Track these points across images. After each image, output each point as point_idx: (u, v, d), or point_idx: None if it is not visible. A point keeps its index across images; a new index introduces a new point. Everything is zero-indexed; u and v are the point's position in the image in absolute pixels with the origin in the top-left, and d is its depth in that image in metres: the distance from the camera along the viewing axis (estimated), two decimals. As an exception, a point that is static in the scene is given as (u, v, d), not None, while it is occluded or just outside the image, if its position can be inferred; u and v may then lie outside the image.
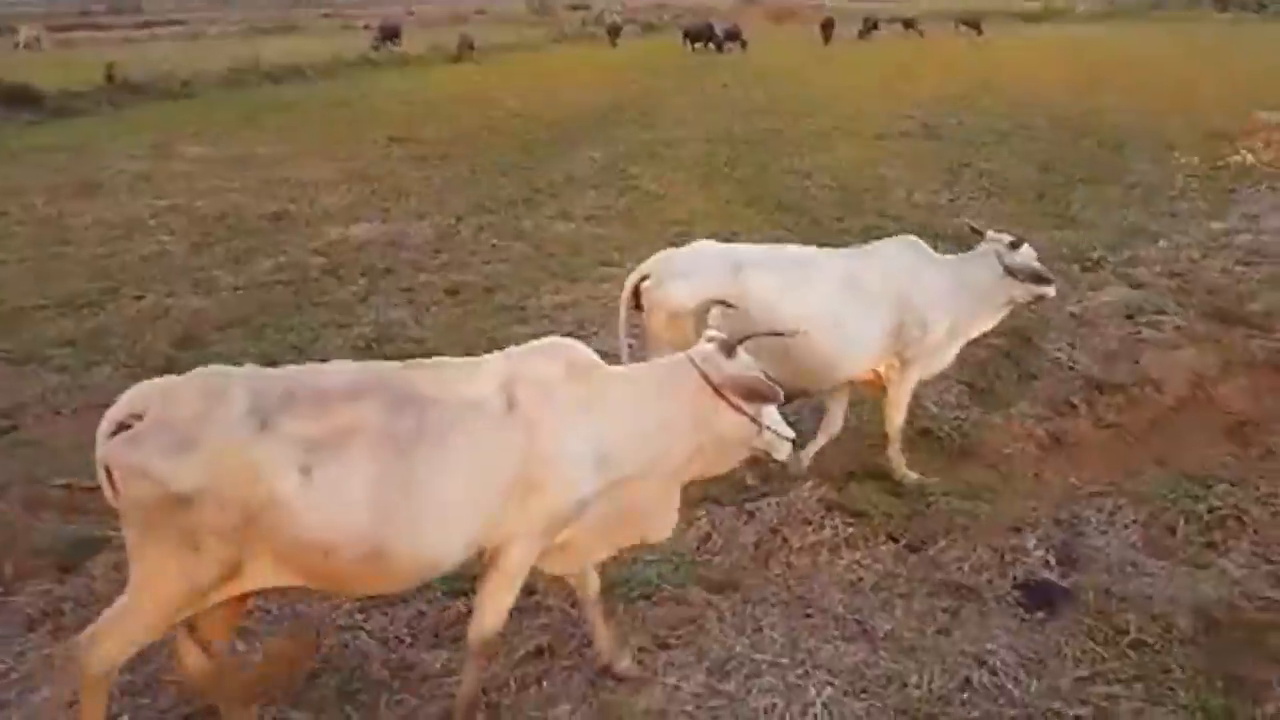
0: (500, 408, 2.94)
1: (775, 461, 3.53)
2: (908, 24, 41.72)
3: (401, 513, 2.79)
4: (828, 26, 37.24)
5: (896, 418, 4.91)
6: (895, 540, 4.41)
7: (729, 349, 3.23)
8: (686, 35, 35.23)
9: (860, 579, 4.13)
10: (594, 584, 3.41)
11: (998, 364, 6.58)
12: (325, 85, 24.62)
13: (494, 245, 9.74)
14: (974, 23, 40.15)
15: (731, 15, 55.18)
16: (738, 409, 3.17)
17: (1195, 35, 36.80)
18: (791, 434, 3.37)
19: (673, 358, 3.38)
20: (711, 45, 33.83)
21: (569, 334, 5.24)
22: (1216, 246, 9.22)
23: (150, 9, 69.65)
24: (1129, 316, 7.37)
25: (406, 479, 2.78)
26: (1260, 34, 36.68)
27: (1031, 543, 4.36)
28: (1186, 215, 10.57)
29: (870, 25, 39.93)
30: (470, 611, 3.25)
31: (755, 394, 3.16)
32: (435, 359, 3.26)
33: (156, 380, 2.85)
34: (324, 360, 3.51)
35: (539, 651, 3.69)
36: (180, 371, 2.97)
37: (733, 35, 34.55)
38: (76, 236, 10.26)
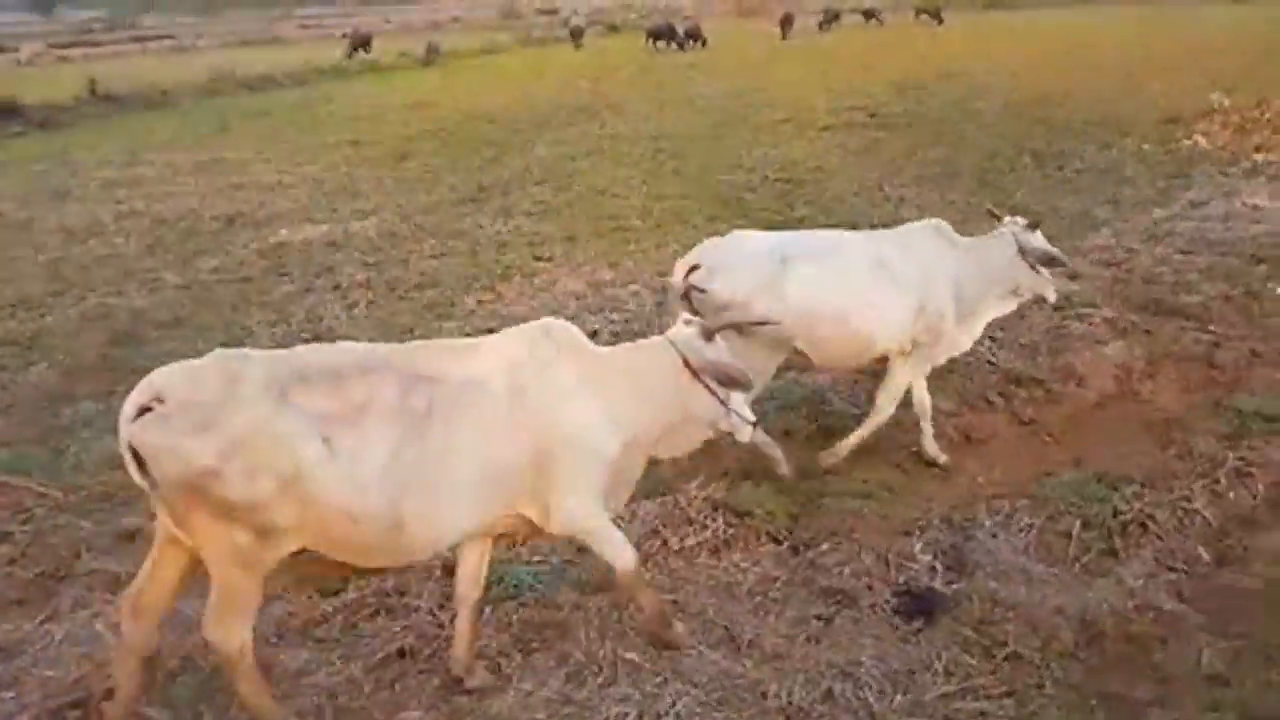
0: (504, 387, 3.03)
1: (734, 442, 3.65)
2: (868, 14, 41.12)
3: (419, 483, 2.87)
4: (786, 21, 36.69)
5: (893, 398, 4.89)
6: (778, 542, 4.15)
7: (709, 335, 3.37)
8: (649, 35, 34.69)
9: (736, 582, 3.88)
10: (480, 587, 3.36)
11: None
12: (298, 92, 24.25)
13: (432, 244, 9.44)
14: (934, 11, 39.61)
15: (698, 13, 54.80)
16: (711, 391, 3.31)
17: (1162, 17, 36.30)
18: (753, 418, 3.47)
19: (654, 340, 3.49)
20: (674, 44, 33.30)
21: (490, 329, 5.03)
22: (1158, 235, 8.80)
23: (146, 25, 68.52)
24: (1058, 308, 6.96)
25: (422, 452, 2.87)
26: (1229, 15, 36.23)
27: (919, 546, 4.09)
28: (1130, 202, 10.15)
29: (831, 17, 39.43)
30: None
31: (731, 380, 3.32)
32: (437, 340, 3.33)
33: (175, 365, 2.87)
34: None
35: (400, 653, 3.52)
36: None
37: (694, 34, 34.05)
38: (38, 240, 10.24)
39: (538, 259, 8.91)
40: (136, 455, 2.73)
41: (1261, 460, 4.76)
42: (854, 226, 9.03)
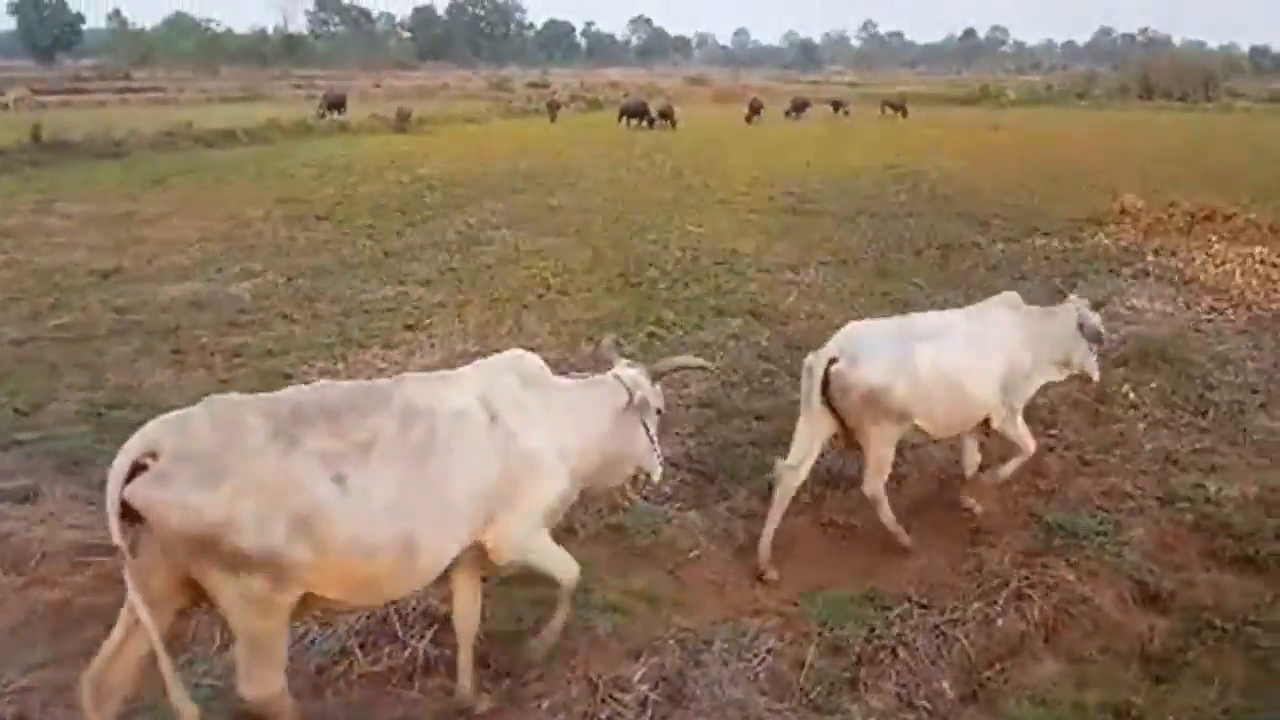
0: (484, 417, 3.11)
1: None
2: (835, 105, 41.90)
3: (428, 510, 2.92)
4: (754, 108, 37.31)
5: (1026, 444, 5.25)
6: (485, 665, 3.65)
7: (655, 378, 3.66)
8: (623, 112, 35.14)
9: (413, 718, 3.39)
10: (476, 619, 3.44)
11: (736, 454, 5.95)
12: (253, 150, 24.09)
13: (304, 309, 9.11)
14: (899, 105, 40.43)
15: (680, 96, 55.81)
16: (646, 430, 3.58)
17: (1113, 121, 37.17)
18: (661, 460, 3.76)
19: (605, 376, 3.65)
20: (644, 122, 33.69)
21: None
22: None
23: (136, 76, 69.06)
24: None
25: (425, 480, 2.92)
26: (1176, 121, 37.09)
27: (640, 674, 3.62)
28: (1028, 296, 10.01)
29: (799, 106, 40.06)
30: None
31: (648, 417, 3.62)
32: (420, 374, 3.41)
33: (165, 417, 2.77)
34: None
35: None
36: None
37: (665, 114, 34.52)
38: (-94, 290, 9.66)
39: (408, 327, 8.61)
40: (127, 513, 2.60)
41: (1049, 581, 4.42)
42: (753, 309, 9.32)
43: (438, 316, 8.96)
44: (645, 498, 5.21)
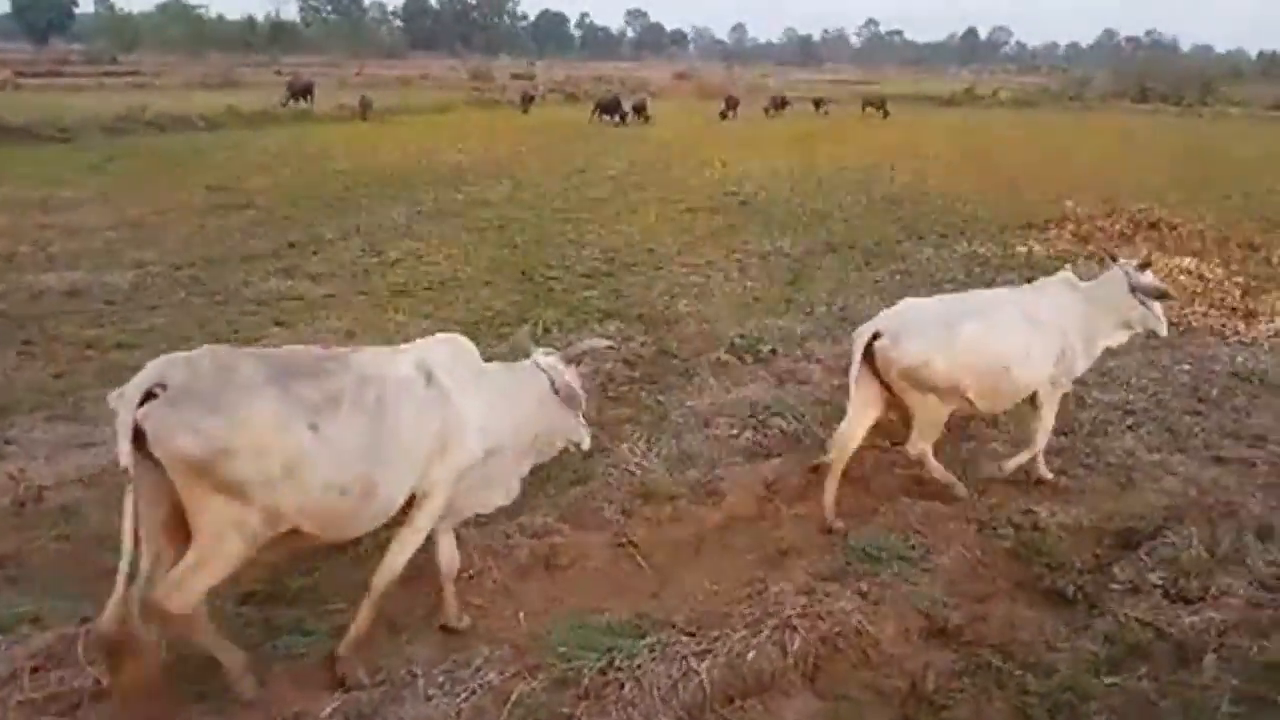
0: (424, 384, 3.51)
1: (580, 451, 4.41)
2: (817, 104, 41.64)
3: (382, 459, 3.30)
4: (730, 105, 37.06)
5: (1045, 430, 5.50)
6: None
7: (575, 360, 4.15)
8: (596, 107, 34.87)
9: None
10: (455, 562, 4.03)
11: (559, 468, 5.69)
12: (207, 136, 23.84)
13: (178, 300, 8.88)
14: (879, 104, 40.16)
15: (665, 91, 55.56)
16: (568, 410, 4.04)
17: (1096, 125, 36.86)
18: (590, 439, 4.30)
19: (525, 363, 4.11)
20: (616, 117, 33.43)
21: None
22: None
23: (123, 61, 68.63)
24: (751, 415, 6.50)
25: (380, 433, 3.30)
26: (1163, 126, 36.82)
27: (330, 709, 3.38)
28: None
29: (778, 104, 39.77)
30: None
31: (574, 400, 4.06)
32: (360, 347, 3.76)
33: (172, 355, 3.09)
34: None
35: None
36: None
37: (639, 109, 34.29)
38: None
39: (277, 323, 8.40)
40: (137, 436, 2.89)
41: (826, 610, 4.19)
42: (643, 313, 9.12)
43: (312, 312, 8.74)
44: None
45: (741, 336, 8.10)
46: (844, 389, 5.38)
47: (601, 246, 12.29)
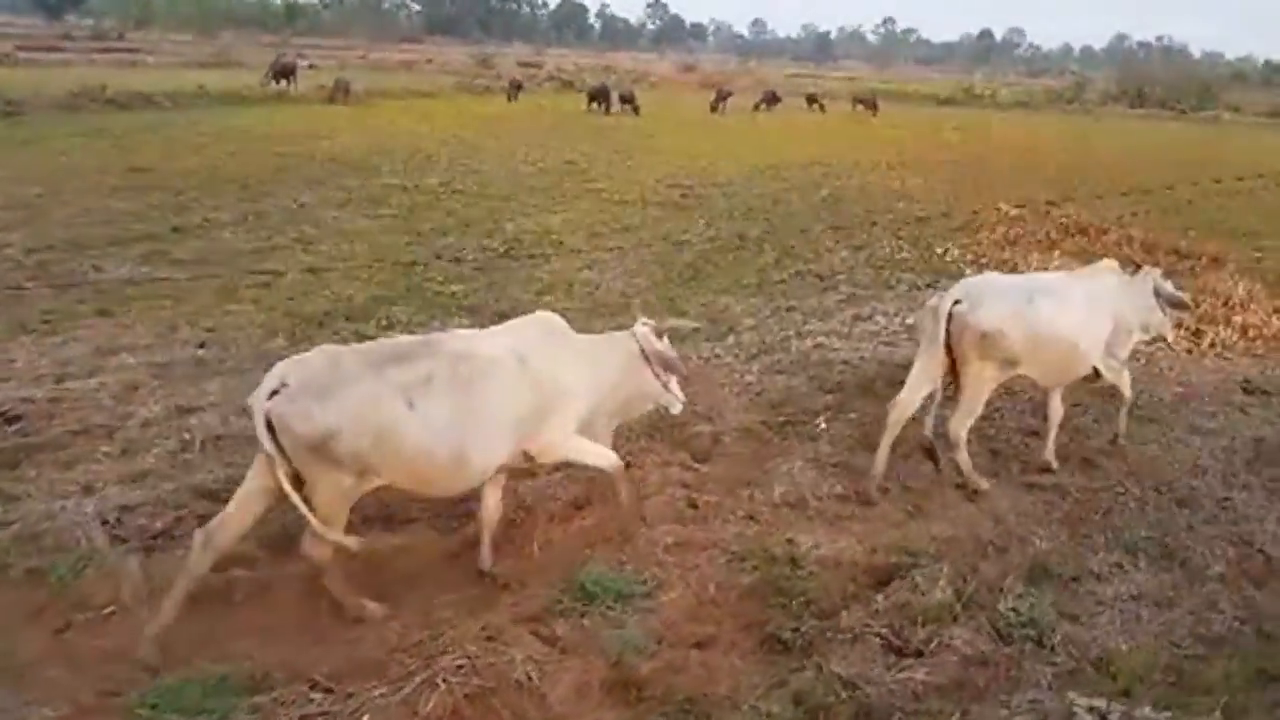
0: (515, 360, 4.02)
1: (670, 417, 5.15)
2: (810, 99, 40.93)
3: (473, 429, 3.87)
4: (721, 97, 36.42)
5: (1127, 393, 5.96)
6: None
7: (660, 333, 4.57)
8: (589, 96, 34.33)
9: None
10: (498, 513, 4.53)
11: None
12: (165, 115, 23.43)
13: (11, 284, 8.45)
14: (870, 102, 39.39)
15: (667, 82, 54.92)
16: (656, 374, 4.53)
17: (1083, 128, 35.93)
18: (684, 399, 4.86)
19: (619, 333, 4.68)
20: (602, 106, 32.84)
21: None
22: (769, 349, 7.95)
23: (129, 38, 68.44)
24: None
25: (470, 406, 3.86)
26: (1150, 130, 35.85)
27: None
28: (812, 309, 9.29)
29: (769, 98, 39.05)
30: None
31: (670, 366, 4.58)
32: (462, 330, 4.46)
33: (291, 358, 3.80)
34: None
35: None
36: None
37: (627, 99, 33.66)
38: None
39: (100, 313, 7.97)
40: (269, 426, 3.60)
41: (487, 662, 3.70)
42: (507, 310, 8.63)
43: (148, 301, 8.30)
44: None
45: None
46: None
47: (509, 236, 11.85)
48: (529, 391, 4.07)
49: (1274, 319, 9.24)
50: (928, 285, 10.15)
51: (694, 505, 5.22)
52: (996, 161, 22.44)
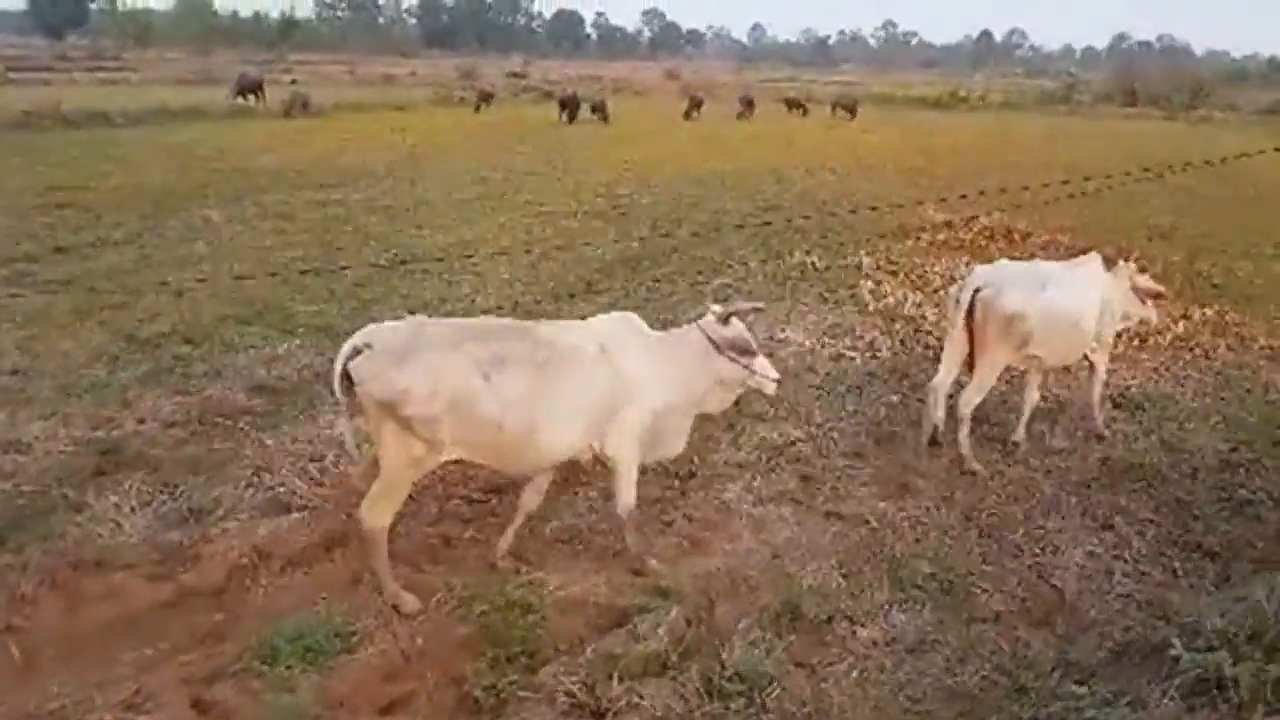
0: (596, 353, 4.13)
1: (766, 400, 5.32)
2: (790, 104, 40.55)
3: (543, 407, 3.98)
4: (694, 104, 36.11)
5: (1100, 384, 6.35)
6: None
7: (725, 319, 4.47)
8: (560, 105, 34.09)
9: None
10: (540, 500, 4.63)
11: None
12: (116, 133, 23.23)
13: None
14: (849, 106, 39.01)
15: (650, 89, 54.68)
16: (731, 360, 4.45)
17: (1068, 127, 35.42)
18: (777, 376, 4.59)
19: (688, 326, 4.57)
20: (568, 116, 32.53)
21: None
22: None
23: (124, 57, 68.76)
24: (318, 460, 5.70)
25: (545, 387, 3.98)
26: (1129, 131, 35.20)
27: None
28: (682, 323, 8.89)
29: (747, 104, 38.66)
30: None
31: (740, 349, 4.48)
32: (544, 321, 4.36)
33: (379, 325, 4.01)
34: None
35: None
36: None
37: (597, 108, 33.43)
38: None
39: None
40: (347, 382, 3.82)
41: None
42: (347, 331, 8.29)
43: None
44: None
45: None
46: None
47: (408, 251, 11.50)
48: (603, 383, 4.14)
49: (1175, 325, 8.83)
50: (821, 296, 9.75)
51: (449, 543, 4.85)
52: (955, 166, 21.97)
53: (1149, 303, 6.34)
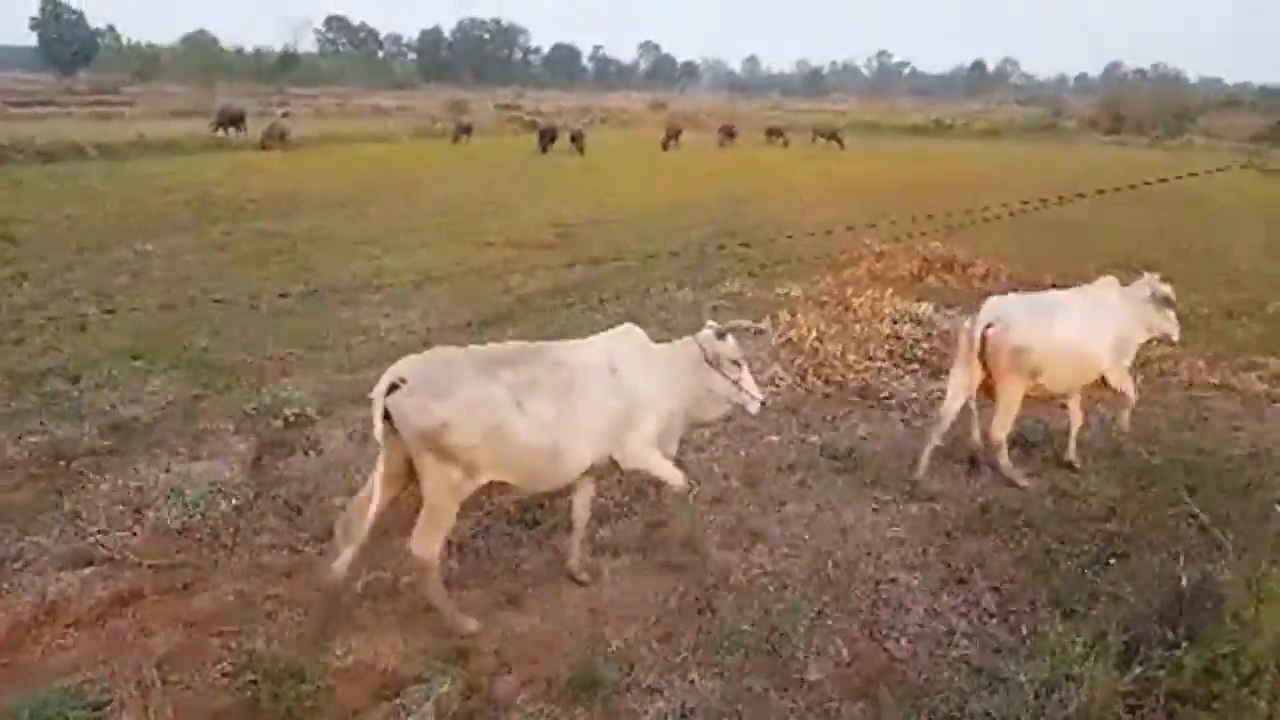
0: (608, 371, 4.34)
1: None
2: (770, 133, 40.44)
3: (568, 427, 4.15)
4: (672, 133, 36.03)
5: (1130, 396, 6.33)
6: None
7: (721, 335, 4.71)
8: (539, 135, 34.00)
9: None
10: (589, 512, 4.73)
11: None
12: (89, 165, 23.13)
13: None
14: (831, 134, 38.86)
15: (636, 119, 54.75)
16: (723, 375, 4.69)
17: (1054, 156, 35.17)
18: (761, 396, 4.82)
19: (686, 339, 4.77)
20: (541, 148, 32.35)
21: None
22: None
23: (125, 91, 69.21)
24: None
25: (570, 408, 4.16)
26: (1120, 156, 34.95)
27: None
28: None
29: (728, 133, 38.61)
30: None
31: (730, 364, 4.71)
32: (561, 341, 4.56)
33: (408, 357, 4.08)
34: None
35: None
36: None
37: (575, 138, 33.30)
38: None
39: None
40: (386, 418, 3.90)
41: None
42: (231, 366, 7.98)
43: None
44: None
45: (273, 398, 6.88)
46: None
47: (330, 281, 11.21)
48: (616, 398, 4.29)
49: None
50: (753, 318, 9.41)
51: (250, 602, 4.49)
52: (919, 197, 21.69)
53: (1169, 315, 6.29)
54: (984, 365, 5.86)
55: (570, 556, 4.69)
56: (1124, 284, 6.30)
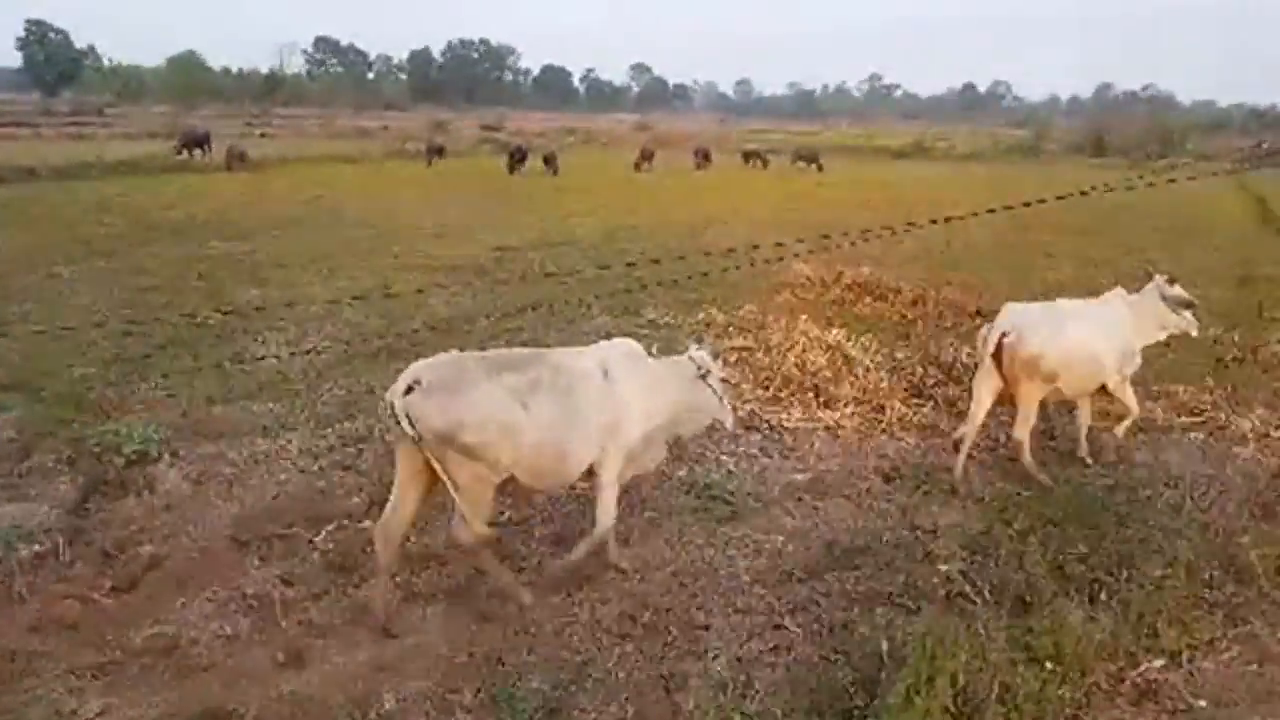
0: (601, 377, 4.59)
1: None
2: (746, 156, 40.49)
3: (571, 430, 4.42)
4: (645, 156, 36.06)
5: (1132, 407, 6.64)
6: None
7: (716, 355, 5.38)
8: (509, 156, 33.99)
9: None
10: (608, 517, 4.84)
11: None
12: (38, 187, 23.05)
13: None
14: (812, 157, 38.87)
15: (617, 140, 54.89)
16: (713, 392, 5.17)
17: (1028, 180, 35.14)
18: (733, 413, 5.54)
19: (680, 357, 5.24)
20: (510, 169, 32.31)
21: None
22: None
23: (107, 113, 69.36)
24: None
25: (570, 410, 4.42)
26: (1094, 179, 34.79)
27: None
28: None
29: (704, 156, 38.65)
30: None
31: (720, 383, 5.24)
32: (559, 348, 4.87)
33: (422, 360, 4.31)
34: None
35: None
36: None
37: (548, 160, 33.33)
38: None
39: None
40: (408, 418, 4.11)
41: None
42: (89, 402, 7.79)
43: None
44: None
45: (119, 434, 6.65)
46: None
47: (240, 304, 11.05)
48: (608, 402, 4.54)
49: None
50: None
51: (11, 658, 4.27)
52: (878, 218, 21.60)
53: (1186, 313, 6.54)
54: (1000, 372, 6.20)
55: (613, 556, 5.04)
56: (1132, 292, 6.61)
